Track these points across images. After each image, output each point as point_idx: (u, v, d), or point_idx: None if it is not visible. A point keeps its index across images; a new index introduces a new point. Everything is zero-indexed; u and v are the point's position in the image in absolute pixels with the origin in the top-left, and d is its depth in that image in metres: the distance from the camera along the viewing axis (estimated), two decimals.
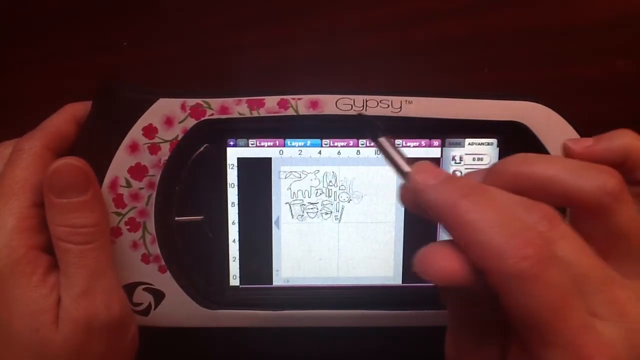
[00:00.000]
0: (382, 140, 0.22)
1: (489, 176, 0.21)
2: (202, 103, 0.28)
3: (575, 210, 0.20)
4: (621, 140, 0.22)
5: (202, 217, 0.30)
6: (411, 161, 0.21)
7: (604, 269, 0.19)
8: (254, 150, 0.30)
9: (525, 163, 0.20)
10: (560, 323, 0.17)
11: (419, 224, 0.31)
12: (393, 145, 0.22)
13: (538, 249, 0.17)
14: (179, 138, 0.28)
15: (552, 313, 0.17)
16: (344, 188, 0.30)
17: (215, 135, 0.29)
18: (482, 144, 0.30)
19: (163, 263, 0.29)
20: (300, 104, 0.28)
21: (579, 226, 0.20)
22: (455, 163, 0.30)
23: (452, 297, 0.21)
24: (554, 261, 0.18)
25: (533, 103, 0.29)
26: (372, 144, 0.23)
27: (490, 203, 0.19)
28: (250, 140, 0.30)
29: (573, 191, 0.19)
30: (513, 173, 0.20)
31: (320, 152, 0.30)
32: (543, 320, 0.17)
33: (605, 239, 0.20)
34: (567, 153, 0.23)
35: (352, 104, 0.28)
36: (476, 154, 0.30)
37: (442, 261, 0.18)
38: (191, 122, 0.28)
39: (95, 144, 0.28)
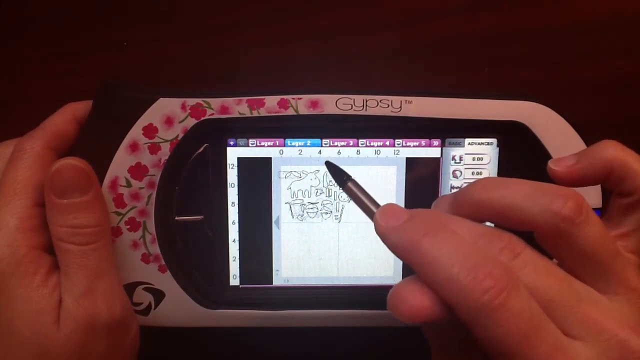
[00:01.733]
0: (350, 185, 0.23)
1: (454, 205, 0.21)
2: (202, 103, 0.28)
3: (537, 234, 0.20)
4: (602, 154, 0.22)
5: (202, 216, 0.30)
6: (377, 203, 0.22)
7: (574, 289, 0.19)
8: (254, 150, 0.30)
9: (484, 190, 0.21)
10: (531, 349, 0.18)
11: None
12: (360, 189, 0.23)
13: (498, 279, 0.18)
14: (179, 138, 0.28)
15: (521, 340, 0.17)
16: None
17: (215, 134, 0.29)
18: (482, 143, 0.30)
19: (163, 263, 0.29)
20: (300, 104, 0.28)
21: (547, 248, 0.20)
22: (455, 163, 0.30)
23: (429, 327, 0.22)
24: (517, 290, 0.18)
25: (533, 103, 0.28)
26: (342, 187, 0.24)
27: (449, 239, 0.19)
28: (250, 140, 0.30)
29: (529, 218, 0.20)
30: (474, 201, 0.21)
31: (320, 152, 0.30)
32: (513, 348, 0.18)
33: (573, 259, 0.20)
34: (552, 174, 0.23)
35: (352, 103, 0.28)
36: (476, 154, 0.30)
37: (412, 300, 0.19)
38: (191, 122, 0.28)
39: (95, 144, 0.28)
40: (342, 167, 0.30)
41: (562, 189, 0.20)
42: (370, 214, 0.22)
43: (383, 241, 0.21)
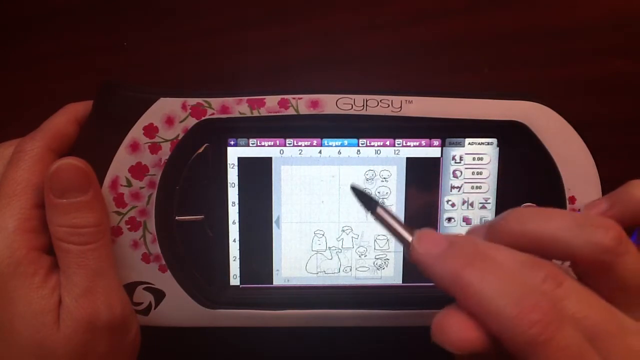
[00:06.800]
0: (380, 211, 0.22)
1: (490, 234, 0.21)
2: (202, 102, 0.28)
3: (576, 265, 0.20)
4: (635, 197, 0.22)
5: (202, 216, 0.30)
6: (409, 228, 0.21)
7: (616, 319, 0.19)
8: (255, 149, 0.30)
9: (521, 221, 0.20)
10: None
11: (419, 224, 0.31)
12: (390, 214, 0.22)
13: (545, 312, 0.17)
14: (180, 137, 0.28)
15: None
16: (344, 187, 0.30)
17: (215, 134, 0.29)
18: (482, 143, 0.30)
19: (163, 262, 0.29)
20: (301, 104, 0.28)
21: (586, 278, 0.20)
22: (455, 163, 0.30)
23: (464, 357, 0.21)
24: (564, 321, 0.18)
25: (533, 103, 0.29)
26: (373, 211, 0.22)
27: (492, 269, 0.19)
28: (250, 140, 0.30)
29: (570, 250, 0.19)
30: (511, 232, 0.20)
31: (320, 152, 0.30)
32: None
33: (613, 290, 0.20)
34: None
35: (353, 103, 0.28)
36: (476, 154, 0.30)
37: (459, 331, 0.19)
38: (192, 122, 0.28)
39: (95, 144, 0.28)
40: (342, 166, 0.30)
41: (600, 219, 0.20)
42: (402, 239, 0.21)
43: (421, 269, 0.20)
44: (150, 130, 0.28)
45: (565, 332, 0.17)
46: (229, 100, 0.28)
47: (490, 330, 0.18)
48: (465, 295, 0.19)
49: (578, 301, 0.19)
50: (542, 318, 0.17)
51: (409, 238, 0.21)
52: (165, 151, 0.28)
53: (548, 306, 0.18)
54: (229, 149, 0.30)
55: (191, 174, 0.29)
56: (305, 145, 0.30)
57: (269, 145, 0.30)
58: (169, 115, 0.28)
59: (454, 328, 0.19)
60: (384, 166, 0.30)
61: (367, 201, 0.23)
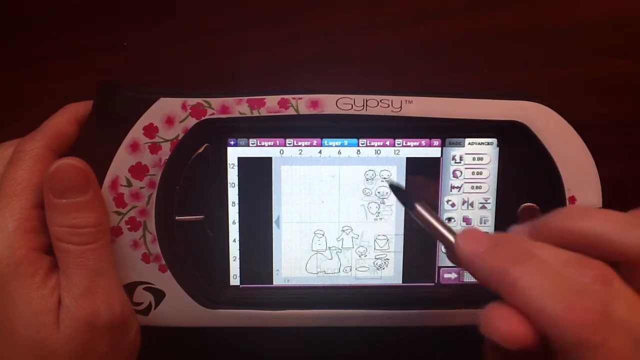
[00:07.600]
0: (419, 208, 0.21)
1: (535, 232, 0.21)
2: (202, 102, 0.28)
3: (625, 265, 0.20)
4: None
5: (202, 216, 0.30)
6: (450, 227, 0.21)
7: None
8: (255, 149, 0.30)
9: (570, 219, 0.20)
10: None
11: None
12: (431, 211, 0.21)
13: (597, 315, 0.17)
14: (180, 137, 0.28)
15: None
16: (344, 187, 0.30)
17: (215, 134, 0.29)
18: (482, 143, 0.30)
19: (163, 262, 0.29)
20: (301, 104, 0.28)
21: (632, 280, 0.20)
22: (455, 163, 0.30)
23: (498, 354, 0.21)
24: (615, 325, 0.17)
25: (533, 103, 0.29)
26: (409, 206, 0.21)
27: (540, 267, 0.18)
28: (250, 140, 0.30)
29: (621, 248, 0.19)
30: (559, 229, 0.20)
31: (320, 152, 0.30)
32: None
33: None
34: None
35: (353, 103, 0.28)
36: (476, 154, 0.30)
37: (509, 325, 0.18)
38: (192, 122, 0.28)
39: (96, 144, 0.28)
40: (342, 166, 0.30)
41: None
42: (443, 238, 0.21)
43: (465, 267, 0.20)
44: (150, 130, 0.28)
45: (615, 336, 0.17)
46: (229, 100, 0.28)
47: (539, 329, 0.18)
48: (512, 293, 0.18)
49: (627, 304, 0.18)
50: (594, 320, 0.17)
51: (452, 237, 0.21)
52: (165, 151, 0.28)
53: (600, 308, 0.17)
54: (229, 149, 0.30)
55: (191, 174, 0.29)
56: (305, 145, 0.30)
57: (269, 145, 0.30)
58: (169, 115, 0.28)
59: (503, 322, 0.18)
60: (384, 166, 0.30)
61: (405, 198, 0.22)
